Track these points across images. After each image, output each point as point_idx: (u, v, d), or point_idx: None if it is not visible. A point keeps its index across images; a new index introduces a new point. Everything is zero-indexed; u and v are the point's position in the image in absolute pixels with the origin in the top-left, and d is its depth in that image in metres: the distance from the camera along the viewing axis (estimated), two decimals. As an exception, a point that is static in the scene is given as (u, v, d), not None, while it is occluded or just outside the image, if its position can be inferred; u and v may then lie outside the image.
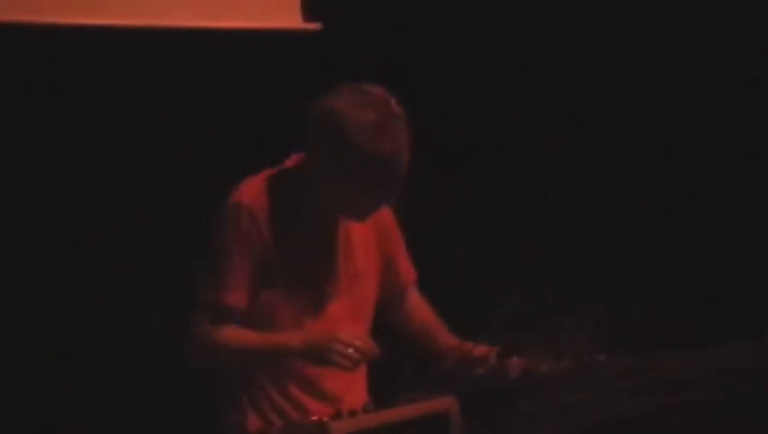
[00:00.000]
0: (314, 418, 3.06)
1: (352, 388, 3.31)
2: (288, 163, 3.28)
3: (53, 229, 4.04)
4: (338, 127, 3.11)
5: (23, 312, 3.98)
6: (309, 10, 4.40)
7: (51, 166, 4.06)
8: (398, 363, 3.74)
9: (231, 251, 3.17)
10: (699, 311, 4.64)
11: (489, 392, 3.16)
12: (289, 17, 4.39)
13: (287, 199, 3.21)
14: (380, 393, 3.18)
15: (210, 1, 4.27)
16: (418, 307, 3.51)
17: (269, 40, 4.36)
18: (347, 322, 3.27)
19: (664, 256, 4.85)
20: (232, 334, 3.18)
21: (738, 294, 4.72)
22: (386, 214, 3.39)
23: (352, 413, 2.91)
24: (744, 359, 3.59)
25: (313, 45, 4.39)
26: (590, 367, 3.30)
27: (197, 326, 3.18)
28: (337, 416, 2.89)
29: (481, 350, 3.27)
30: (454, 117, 4.76)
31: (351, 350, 3.09)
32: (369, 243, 3.35)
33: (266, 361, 3.21)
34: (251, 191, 3.21)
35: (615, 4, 4.91)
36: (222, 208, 3.21)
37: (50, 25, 3.97)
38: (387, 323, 4.23)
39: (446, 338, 3.43)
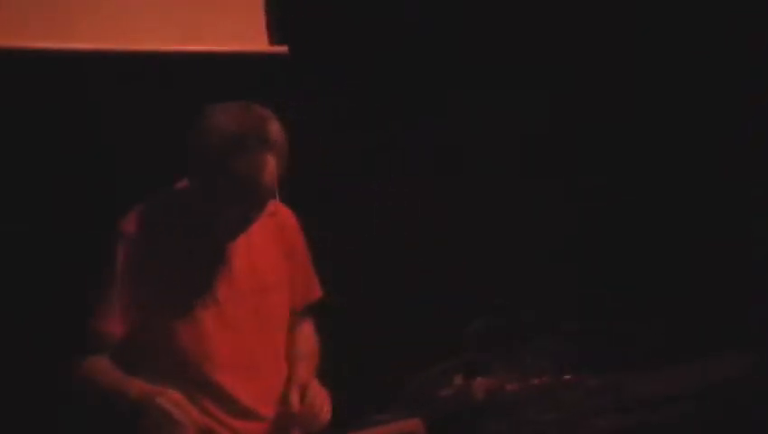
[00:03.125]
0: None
1: (268, 401, 3.29)
2: (177, 184, 3.27)
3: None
4: (195, 144, 3.09)
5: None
6: (275, 33, 4.41)
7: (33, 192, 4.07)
8: (364, 385, 3.76)
9: (110, 280, 3.16)
10: (668, 328, 4.65)
11: (455, 413, 3.17)
12: (256, 41, 4.40)
13: (176, 220, 3.21)
14: (347, 416, 3.18)
15: (177, 24, 4.28)
16: (301, 332, 3.48)
17: (237, 63, 4.36)
18: (253, 334, 3.26)
19: (630, 273, 4.86)
20: (95, 365, 3.18)
21: (706, 312, 4.73)
22: (291, 228, 3.40)
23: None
24: (712, 375, 3.61)
25: (280, 68, 4.40)
26: (555, 386, 3.32)
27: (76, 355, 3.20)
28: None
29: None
30: (426, 131, 4.76)
31: (167, 409, 3.05)
32: (276, 256, 3.35)
33: (113, 399, 3.16)
34: (136, 218, 3.21)
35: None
36: (110, 235, 3.21)
37: (21, 50, 3.98)
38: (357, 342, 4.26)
39: (300, 371, 3.35)
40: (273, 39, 4.43)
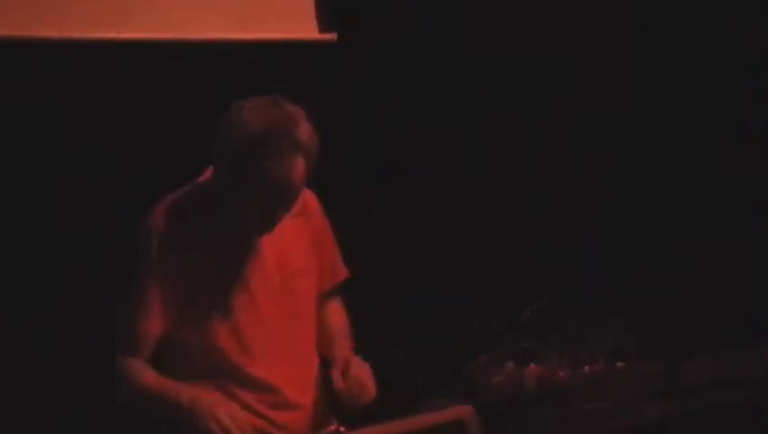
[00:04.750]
0: (331, 428, 3.08)
1: (305, 388, 3.28)
2: (202, 177, 3.24)
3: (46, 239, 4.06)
4: (222, 139, 3.07)
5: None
6: (325, 21, 4.41)
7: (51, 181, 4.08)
8: (415, 371, 3.76)
9: (145, 279, 3.14)
10: (722, 314, 4.62)
11: (506, 400, 3.16)
12: (305, 28, 4.40)
13: (204, 212, 3.17)
14: (398, 403, 3.17)
15: (227, 14, 4.28)
16: (332, 311, 3.44)
17: (286, 51, 4.36)
18: (286, 322, 3.24)
19: (686, 259, 4.83)
20: (137, 369, 3.15)
21: (761, 297, 4.69)
22: (318, 213, 3.36)
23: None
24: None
25: (329, 56, 4.40)
26: (608, 373, 3.30)
27: (116, 359, 3.18)
28: (352, 426, 2.90)
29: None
30: (468, 121, 4.75)
31: (225, 423, 3.01)
32: (304, 241, 3.31)
33: (160, 407, 3.14)
34: (162, 213, 3.18)
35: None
36: (138, 232, 3.19)
37: (75, 40, 4.00)
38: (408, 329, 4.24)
39: (339, 349, 3.32)
40: (322, 27, 4.43)
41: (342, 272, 3.45)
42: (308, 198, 3.33)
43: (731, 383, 3.48)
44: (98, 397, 3.81)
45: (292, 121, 3.04)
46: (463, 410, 3.01)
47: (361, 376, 3.16)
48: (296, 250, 3.29)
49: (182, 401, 3.06)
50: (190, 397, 3.07)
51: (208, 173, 3.21)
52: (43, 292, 3.95)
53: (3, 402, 3.87)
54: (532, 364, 3.22)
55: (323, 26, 4.42)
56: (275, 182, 3.02)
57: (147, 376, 3.16)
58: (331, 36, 4.42)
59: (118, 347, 3.18)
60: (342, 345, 3.32)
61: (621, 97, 4.94)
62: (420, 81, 4.66)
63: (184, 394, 3.08)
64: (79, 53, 4.02)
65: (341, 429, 2.95)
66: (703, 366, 3.53)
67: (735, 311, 4.53)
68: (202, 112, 3.26)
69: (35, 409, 3.94)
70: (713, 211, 4.92)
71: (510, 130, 4.77)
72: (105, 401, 3.35)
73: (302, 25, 4.40)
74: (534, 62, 4.84)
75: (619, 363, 3.31)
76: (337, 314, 3.44)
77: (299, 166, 3.03)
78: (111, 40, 4.06)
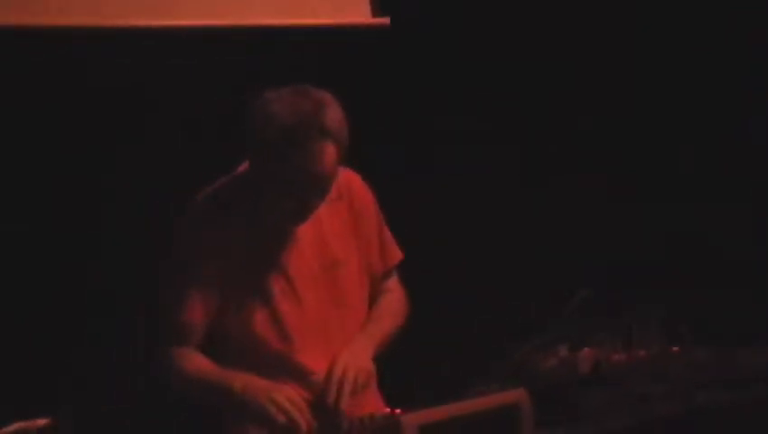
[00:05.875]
0: (386, 411, 3.06)
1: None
2: (241, 167, 3.23)
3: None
4: (251, 135, 3.06)
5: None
6: (378, 5, 4.40)
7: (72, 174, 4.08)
8: (468, 354, 3.74)
9: (186, 268, 3.15)
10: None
11: (559, 384, 3.14)
12: (359, 12, 4.39)
13: (241, 203, 3.17)
14: (452, 385, 3.15)
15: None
16: (381, 299, 3.40)
17: (340, 36, 4.36)
18: (328, 311, 3.23)
19: (740, 250, 4.80)
20: (186, 357, 3.16)
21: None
22: (361, 194, 3.33)
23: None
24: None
25: (383, 41, 4.39)
26: (663, 358, 3.27)
27: (162, 349, 3.18)
28: (407, 409, 2.89)
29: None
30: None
31: (285, 406, 3.01)
32: (344, 228, 3.29)
33: (210, 394, 3.14)
34: (201, 204, 3.18)
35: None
36: (179, 222, 3.19)
37: (118, 27, 4.00)
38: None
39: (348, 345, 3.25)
40: (375, 11, 4.41)
41: (395, 255, 3.42)
42: (352, 180, 3.32)
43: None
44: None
45: (319, 108, 3.01)
46: (517, 394, 2.99)
47: (336, 373, 3.11)
48: (335, 237, 3.27)
49: (236, 388, 3.06)
50: (243, 383, 3.07)
51: (245, 164, 3.21)
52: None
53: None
54: (586, 348, 3.20)
55: (376, 11, 4.42)
56: (306, 171, 3.01)
57: (197, 363, 3.17)
58: (384, 21, 4.41)
59: (164, 338, 3.19)
60: (356, 339, 3.26)
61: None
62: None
63: (237, 380, 3.08)
64: (125, 39, 4.02)
65: (397, 411, 2.93)
66: (759, 355, 3.50)
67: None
68: (243, 102, 3.24)
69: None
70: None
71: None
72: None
73: (355, 10, 4.39)
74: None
75: (674, 348, 3.28)
76: (379, 304, 3.39)
77: (329, 153, 3.01)
78: (148, 27, 4.04)
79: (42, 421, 2.83)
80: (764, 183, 4.93)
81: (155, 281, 3.23)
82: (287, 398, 3.03)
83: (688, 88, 4.98)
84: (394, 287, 3.44)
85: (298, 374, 3.19)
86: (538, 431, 3.01)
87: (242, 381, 3.08)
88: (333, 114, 3.03)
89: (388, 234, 3.41)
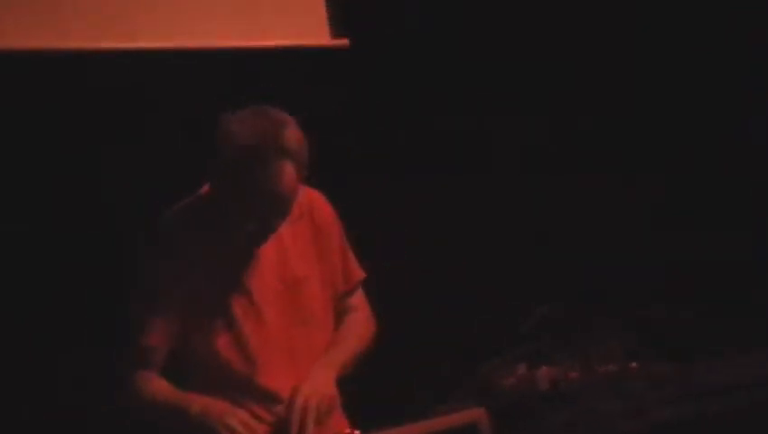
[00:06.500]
0: (346, 432, 3.07)
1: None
2: (203, 189, 3.23)
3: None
4: (211, 156, 3.06)
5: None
6: (337, 27, 4.41)
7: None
8: (426, 375, 3.75)
9: (151, 292, 3.15)
10: (735, 316, 4.60)
11: (519, 402, 3.16)
12: (317, 35, 4.41)
13: (203, 223, 3.17)
14: (409, 406, 3.16)
15: (238, 21, 4.29)
16: (348, 314, 3.39)
17: (299, 58, 4.37)
18: (291, 330, 3.23)
19: (697, 259, 4.82)
20: (147, 381, 3.16)
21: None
22: (323, 213, 3.33)
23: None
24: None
25: (342, 62, 4.40)
26: (621, 375, 3.29)
27: (121, 371, 3.19)
28: (366, 431, 2.90)
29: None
30: (468, 121, 4.75)
31: (238, 430, 3.01)
32: (306, 246, 3.30)
33: (169, 417, 3.13)
34: (164, 225, 3.19)
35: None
36: (142, 247, 3.20)
37: (80, 51, 4.01)
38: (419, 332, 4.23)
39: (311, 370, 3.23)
40: (334, 32, 4.43)
41: (356, 275, 3.41)
42: (314, 199, 3.32)
43: (744, 386, 3.47)
44: (99, 397, 3.83)
45: (278, 128, 3.03)
46: (475, 413, 3.00)
47: (295, 407, 3.09)
48: (298, 255, 3.27)
49: (192, 411, 3.06)
50: (200, 406, 3.07)
51: (206, 186, 3.21)
52: (43, 292, 3.96)
53: (2, 402, 3.88)
54: (544, 366, 3.22)
55: (336, 32, 4.43)
56: (265, 190, 3.02)
57: (156, 387, 3.16)
58: (343, 42, 4.43)
59: (127, 360, 3.19)
60: (318, 364, 3.24)
61: (621, 97, 4.94)
62: (420, 82, 4.66)
63: (194, 404, 3.08)
64: (80, 61, 4.02)
65: (356, 432, 2.94)
66: (716, 369, 3.52)
67: (749, 313, 4.51)
68: (208, 122, 3.26)
69: (35, 409, 3.95)
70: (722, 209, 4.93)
71: (511, 130, 4.77)
72: (105, 402, 3.36)
73: (314, 32, 4.41)
74: (534, 62, 4.83)
75: (632, 364, 3.30)
76: (347, 324, 3.38)
77: (288, 172, 3.02)
78: (114, 49, 4.05)
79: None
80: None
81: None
82: (241, 421, 3.03)
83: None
84: (359, 304, 3.43)
85: (261, 397, 3.18)
86: (499, 450, 3.02)
87: (199, 404, 3.07)
88: (292, 134, 3.04)
89: (350, 253, 3.41)
